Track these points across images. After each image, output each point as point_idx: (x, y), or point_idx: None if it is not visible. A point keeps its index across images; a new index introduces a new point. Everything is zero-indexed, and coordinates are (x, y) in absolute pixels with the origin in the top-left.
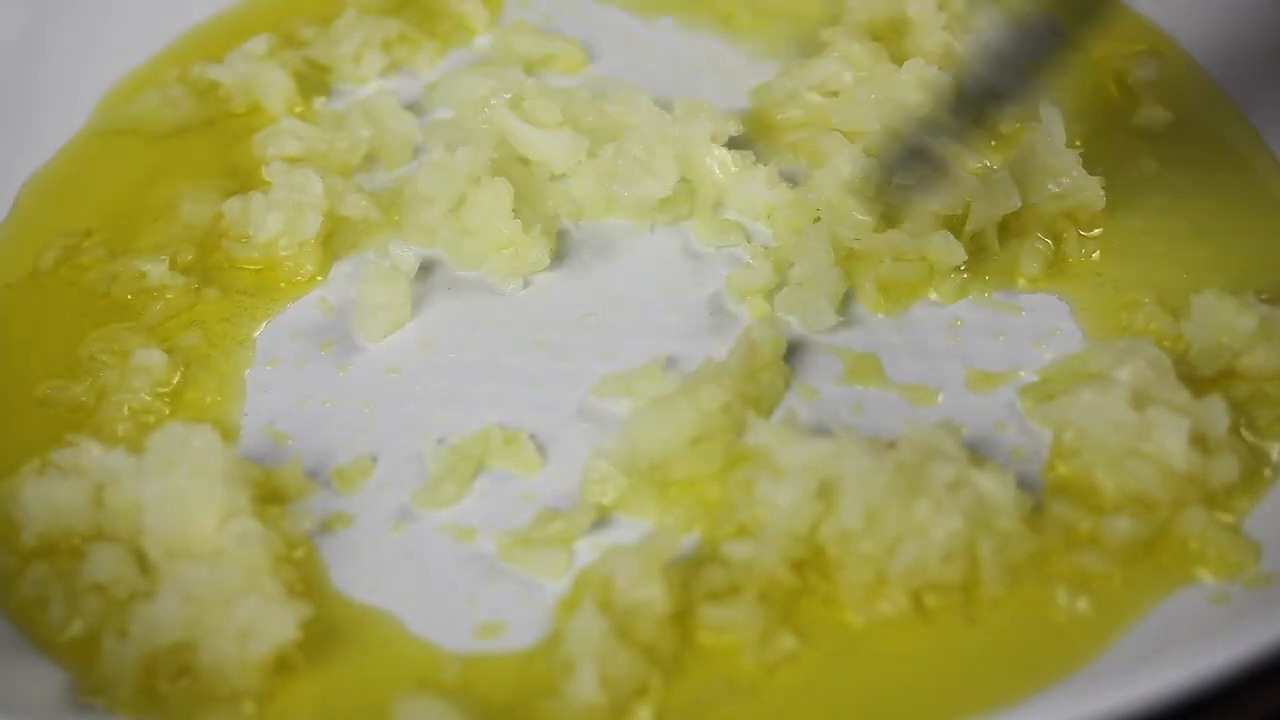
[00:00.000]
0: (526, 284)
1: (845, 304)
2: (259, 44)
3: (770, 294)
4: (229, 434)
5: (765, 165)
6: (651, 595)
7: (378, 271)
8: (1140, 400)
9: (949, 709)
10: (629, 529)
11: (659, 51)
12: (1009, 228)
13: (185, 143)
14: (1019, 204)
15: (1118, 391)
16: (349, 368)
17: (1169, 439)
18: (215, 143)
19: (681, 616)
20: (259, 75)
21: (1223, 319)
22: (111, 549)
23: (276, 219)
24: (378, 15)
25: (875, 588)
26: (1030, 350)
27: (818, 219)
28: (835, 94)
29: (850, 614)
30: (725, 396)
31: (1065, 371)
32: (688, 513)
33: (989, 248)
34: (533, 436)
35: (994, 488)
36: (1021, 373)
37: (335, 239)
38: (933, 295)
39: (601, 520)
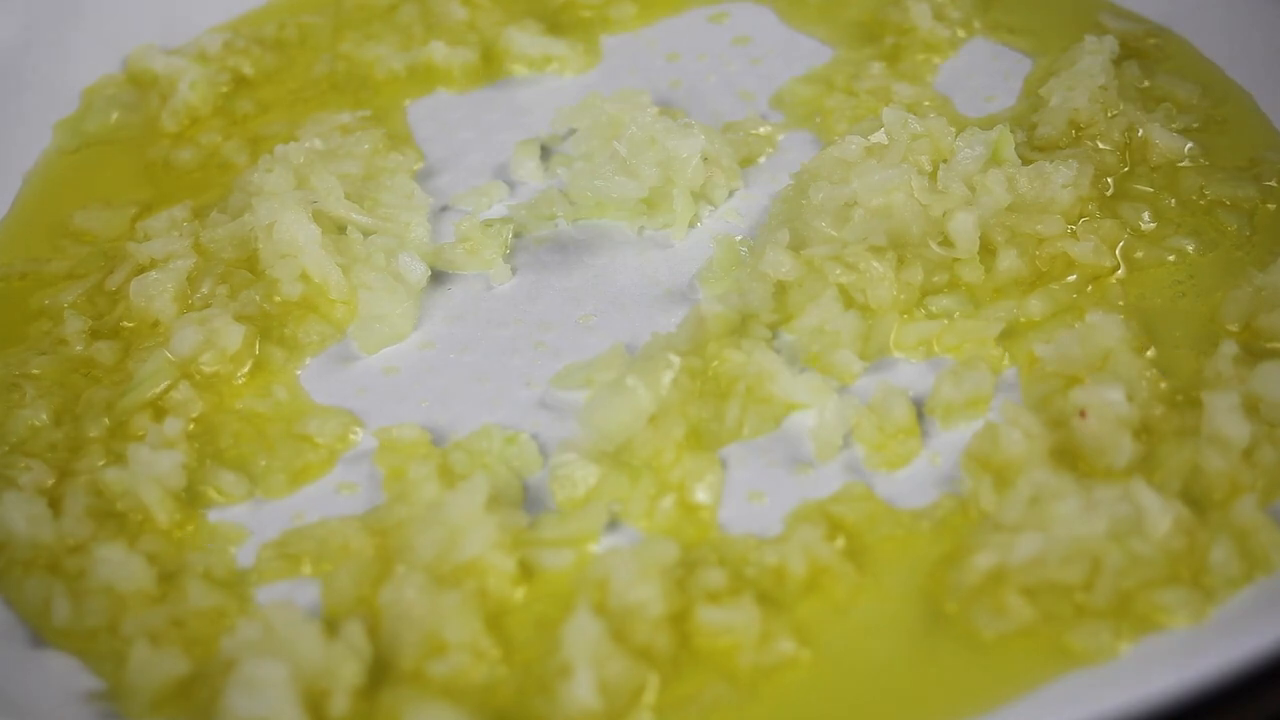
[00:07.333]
0: (525, 283)
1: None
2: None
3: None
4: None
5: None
6: (648, 597)
7: (382, 283)
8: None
9: (950, 709)
10: (627, 532)
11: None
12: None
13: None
14: None
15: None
16: (348, 367)
17: (1229, 424)
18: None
19: (679, 618)
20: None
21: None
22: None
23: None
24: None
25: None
26: None
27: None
28: None
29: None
30: (674, 371)
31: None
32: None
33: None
34: (534, 436)
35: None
36: None
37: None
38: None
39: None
